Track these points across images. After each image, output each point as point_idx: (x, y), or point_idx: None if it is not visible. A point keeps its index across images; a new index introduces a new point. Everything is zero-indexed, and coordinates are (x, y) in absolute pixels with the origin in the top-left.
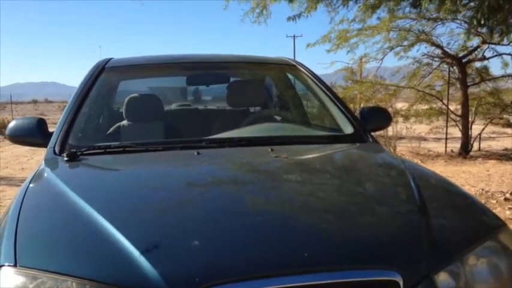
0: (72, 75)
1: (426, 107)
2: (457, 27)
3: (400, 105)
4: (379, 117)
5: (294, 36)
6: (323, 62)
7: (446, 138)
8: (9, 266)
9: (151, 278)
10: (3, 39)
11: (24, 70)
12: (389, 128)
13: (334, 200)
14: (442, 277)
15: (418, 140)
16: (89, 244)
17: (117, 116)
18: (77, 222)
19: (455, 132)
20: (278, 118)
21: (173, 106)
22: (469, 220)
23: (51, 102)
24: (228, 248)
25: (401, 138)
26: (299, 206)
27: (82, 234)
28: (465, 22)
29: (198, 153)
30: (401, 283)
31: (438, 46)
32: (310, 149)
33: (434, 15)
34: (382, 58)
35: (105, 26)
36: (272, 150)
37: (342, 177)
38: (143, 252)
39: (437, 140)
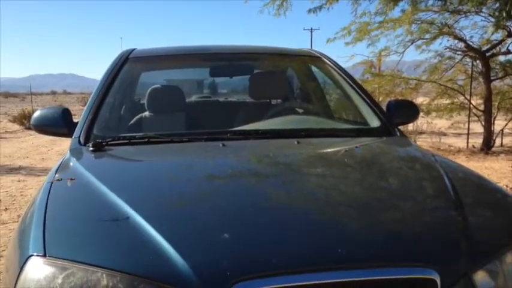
0: (90, 67)
1: (448, 101)
2: (481, 20)
3: (420, 99)
4: (407, 110)
5: (312, 29)
6: (342, 55)
7: (468, 134)
8: (38, 256)
9: (182, 271)
10: (23, 30)
11: (44, 61)
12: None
13: (368, 195)
14: (481, 276)
15: (438, 135)
16: (119, 235)
17: (138, 107)
18: (106, 213)
19: (476, 127)
20: (300, 111)
21: (193, 98)
22: (507, 217)
23: (69, 93)
24: (258, 242)
25: (421, 133)
26: (333, 201)
27: (111, 225)
28: (490, 15)
29: (223, 145)
30: (439, 282)
31: (461, 39)
32: (337, 142)
33: (458, 8)
34: (403, 51)
35: (126, 18)
36: (298, 143)
37: (373, 171)
38: (173, 245)
39: (458, 135)
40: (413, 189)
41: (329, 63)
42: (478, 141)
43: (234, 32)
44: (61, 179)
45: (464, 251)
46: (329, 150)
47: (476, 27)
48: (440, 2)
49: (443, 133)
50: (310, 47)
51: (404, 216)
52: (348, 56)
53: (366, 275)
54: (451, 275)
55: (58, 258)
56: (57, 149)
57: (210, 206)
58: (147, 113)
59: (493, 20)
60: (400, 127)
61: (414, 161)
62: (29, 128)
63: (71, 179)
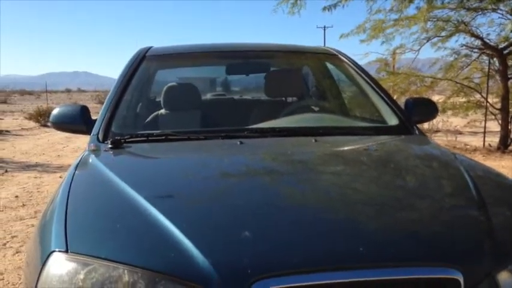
0: (104, 65)
1: (464, 99)
2: (499, 18)
3: (436, 98)
4: (425, 108)
5: (325, 27)
6: (356, 54)
7: (484, 132)
8: (60, 251)
9: (202, 268)
10: (39, 28)
11: (59, 59)
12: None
13: (388, 194)
14: (505, 276)
15: (454, 133)
16: (140, 232)
17: (153, 104)
18: (126, 209)
19: (493, 126)
20: (316, 109)
21: (208, 96)
22: None
23: (83, 91)
24: (279, 241)
25: (436, 131)
26: (354, 199)
27: (132, 221)
28: (508, 12)
29: (240, 142)
30: (462, 282)
31: (478, 37)
32: (355, 140)
33: (475, 5)
34: (419, 49)
35: (140, 16)
36: (316, 141)
37: (393, 170)
38: (194, 242)
39: (474, 133)
40: (435, 187)
41: (346, 60)
42: (494, 140)
43: (246, 31)
44: (81, 176)
45: (488, 250)
46: (347, 148)
47: (494, 25)
48: None
49: (459, 131)
50: (323, 45)
51: (426, 215)
52: (362, 54)
53: (388, 274)
54: (475, 275)
55: (80, 254)
56: (72, 146)
57: (229, 203)
58: (163, 111)
59: (510, 17)
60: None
61: (434, 159)
62: (44, 125)
63: (91, 176)
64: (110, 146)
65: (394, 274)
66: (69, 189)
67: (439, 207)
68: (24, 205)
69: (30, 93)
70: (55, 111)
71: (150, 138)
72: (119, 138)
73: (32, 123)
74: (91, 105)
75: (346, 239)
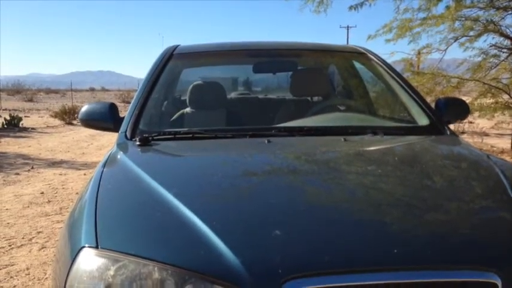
0: (127, 65)
1: (491, 100)
2: None
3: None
4: (457, 108)
5: (348, 27)
6: (381, 53)
7: None
8: (90, 247)
9: (233, 267)
10: (65, 27)
11: (84, 58)
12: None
13: (422, 195)
14: None
15: (480, 135)
16: (170, 229)
17: (179, 103)
18: (156, 206)
19: None
20: (342, 108)
21: (232, 95)
22: None
23: (107, 90)
24: (310, 240)
25: (462, 133)
26: (386, 200)
27: (162, 219)
28: None
29: (268, 141)
30: (500, 286)
31: (507, 37)
32: (384, 140)
33: (505, 4)
34: (446, 49)
35: (164, 14)
36: (345, 140)
37: (425, 171)
38: (224, 240)
39: (500, 135)
40: (470, 189)
41: (375, 59)
42: None
43: (270, 30)
44: (110, 173)
45: None
46: (378, 147)
47: None
48: None
49: (485, 133)
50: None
51: (463, 217)
52: (387, 53)
53: (423, 277)
54: None
55: (110, 250)
56: (96, 144)
57: (259, 202)
58: (188, 109)
59: None
60: None
61: (467, 159)
62: (69, 123)
63: (120, 173)
64: (138, 143)
65: (429, 277)
66: (99, 185)
67: (475, 209)
68: (49, 201)
69: (55, 91)
70: (84, 108)
71: (177, 136)
72: (146, 135)
73: (57, 121)
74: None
75: (379, 241)
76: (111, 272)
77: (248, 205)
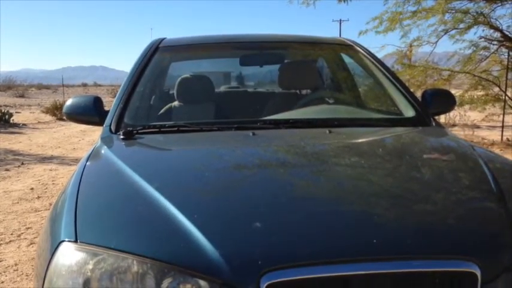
0: (120, 60)
1: (481, 93)
2: None
3: (453, 91)
4: (443, 100)
5: (340, 20)
6: (372, 46)
7: (502, 126)
8: (69, 241)
9: (213, 259)
10: (55, 22)
11: (76, 54)
12: (442, 115)
13: (403, 186)
14: None
15: (471, 127)
16: (150, 222)
17: (167, 96)
18: (137, 200)
19: (511, 120)
20: (331, 100)
21: (222, 88)
22: None
23: (99, 85)
24: (290, 232)
25: (453, 125)
26: (368, 191)
27: (142, 212)
28: None
29: (253, 134)
30: (479, 276)
31: (497, 29)
32: (370, 132)
33: None
34: (436, 42)
35: (155, 9)
36: (330, 132)
37: (409, 162)
38: (204, 233)
39: (491, 128)
40: (452, 180)
41: (362, 51)
42: None
43: (261, 24)
44: (92, 167)
45: (506, 244)
46: (362, 140)
47: None
48: None
49: (476, 125)
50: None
51: (442, 207)
52: (378, 46)
53: (402, 267)
54: (493, 269)
55: (89, 244)
56: (87, 139)
57: (240, 195)
58: (176, 103)
59: None
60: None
61: (452, 151)
62: (60, 119)
63: (102, 167)
64: (122, 137)
65: (408, 267)
66: (80, 179)
67: (456, 200)
68: (39, 197)
69: (47, 87)
70: (68, 102)
71: (162, 129)
72: (131, 129)
73: (48, 117)
74: (106, 99)
75: (359, 231)
76: (90, 266)
77: (230, 198)
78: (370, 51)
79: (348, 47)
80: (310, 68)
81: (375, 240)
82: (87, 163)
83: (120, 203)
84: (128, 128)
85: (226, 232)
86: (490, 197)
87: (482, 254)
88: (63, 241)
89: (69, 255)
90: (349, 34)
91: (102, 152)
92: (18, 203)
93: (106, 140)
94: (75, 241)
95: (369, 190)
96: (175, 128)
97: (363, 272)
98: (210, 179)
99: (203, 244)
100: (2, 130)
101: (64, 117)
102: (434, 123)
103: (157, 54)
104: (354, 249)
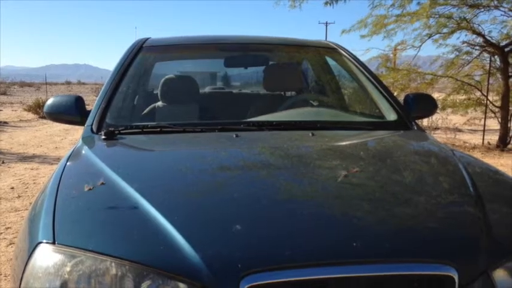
0: (104, 58)
1: (464, 97)
2: (501, 15)
3: (436, 95)
4: (425, 104)
5: (327, 23)
6: (357, 49)
7: (484, 130)
8: (47, 243)
9: (192, 262)
10: (40, 19)
11: (59, 52)
12: (425, 118)
13: (383, 189)
14: (500, 274)
15: (453, 131)
16: (129, 224)
17: (150, 97)
18: (116, 202)
19: (492, 124)
20: (315, 103)
21: (206, 89)
22: None
23: (83, 84)
24: (270, 235)
25: (436, 128)
26: (348, 194)
27: (122, 214)
28: (511, 10)
29: (236, 135)
30: (456, 279)
31: (479, 34)
32: (352, 135)
33: (477, 2)
34: (420, 46)
35: (140, 8)
36: (313, 135)
37: (390, 165)
38: (184, 235)
39: (473, 131)
40: (431, 183)
41: (346, 54)
42: (493, 138)
43: (247, 26)
44: (72, 167)
45: (484, 248)
46: (344, 143)
47: (496, 22)
48: None
49: (458, 129)
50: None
51: (421, 211)
52: (363, 49)
53: (381, 270)
54: (470, 273)
55: (67, 246)
56: (70, 138)
57: (222, 197)
58: (160, 103)
59: None
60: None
61: (431, 155)
62: (43, 117)
63: (82, 167)
64: (103, 137)
65: (387, 270)
66: (60, 180)
67: (435, 203)
68: (19, 196)
69: (30, 85)
70: (49, 101)
71: (144, 130)
72: (112, 129)
73: (30, 115)
74: (90, 98)
75: (339, 234)
76: (68, 268)
77: (210, 200)
78: (354, 55)
79: (332, 50)
80: (295, 71)
81: (354, 244)
82: (67, 163)
83: (100, 205)
84: (110, 128)
85: (206, 234)
86: (468, 201)
87: (459, 258)
88: (41, 242)
89: (47, 257)
90: (335, 36)
91: (83, 152)
92: None
93: (87, 140)
94: (53, 243)
95: (349, 193)
96: (158, 129)
97: (341, 275)
98: (192, 180)
99: (183, 246)
100: None
101: None
102: (415, 127)
103: (141, 54)
104: (334, 252)
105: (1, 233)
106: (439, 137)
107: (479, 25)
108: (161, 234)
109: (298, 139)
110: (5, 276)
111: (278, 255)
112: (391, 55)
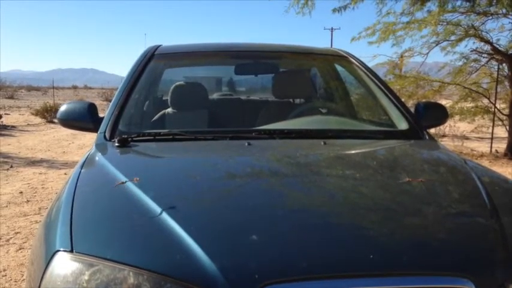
0: (111, 63)
1: (471, 104)
2: (509, 23)
3: (443, 102)
4: (436, 113)
5: (332, 28)
6: (363, 56)
7: (492, 138)
8: (65, 251)
9: (209, 272)
10: (46, 24)
11: (66, 56)
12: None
13: (399, 200)
14: None
15: (460, 138)
16: (146, 233)
17: (160, 103)
18: (133, 210)
19: (500, 132)
20: (324, 111)
21: (215, 96)
22: None
23: (90, 88)
24: (287, 245)
25: (443, 136)
26: (364, 204)
27: (138, 223)
28: None
29: (248, 144)
30: None
31: (487, 42)
32: (364, 144)
33: (486, 10)
34: (428, 53)
35: (148, 13)
36: (325, 143)
37: (403, 176)
38: (201, 245)
39: (480, 139)
40: (446, 194)
41: (356, 62)
42: (501, 146)
43: (254, 32)
44: (87, 174)
45: (501, 260)
46: (356, 152)
47: (504, 30)
48: (468, 4)
49: (465, 137)
50: (330, 47)
51: (437, 223)
52: (370, 56)
53: (398, 283)
54: (487, 286)
55: (85, 254)
56: (78, 142)
57: (237, 206)
58: (170, 110)
59: None
60: None
61: (444, 165)
62: (50, 122)
63: (97, 175)
64: (116, 144)
65: (405, 283)
66: (75, 187)
67: (451, 215)
68: (28, 201)
69: (37, 89)
70: (62, 108)
71: (157, 137)
72: (125, 136)
73: (38, 119)
74: (97, 102)
75: (356, 246)
76: (86, 277)
77: (226, 209)
78: (364, 63)
79: (342, 58)
80: (304, 78)
81: (371, 256)
82: (82, 170)
83: (117, 213)
84: (123, 136)
85: (223, 244)
86: (484, 212)
87: (476, 271)
88: (59, 251)
89: (65, 265)
90: (341, 42)
91: (97, 159)
92: (7, 206)
93: (100, 147)
94: (71, 251)
95: (365, 203)
96: (170, 136)
97: (360, 287)
98: (206, 189)
99: (200, 256)
100: None
101: (54, 120)
102: (427, 137)
103: (153, 62)
104: (351, 264)
105: (10, 237)
106: (447, 144)
107: (487, 33)
108: (178, 244)
109: (310, 148)
110: (15, 281)
111: (295, 266)
112: (399, 62)
